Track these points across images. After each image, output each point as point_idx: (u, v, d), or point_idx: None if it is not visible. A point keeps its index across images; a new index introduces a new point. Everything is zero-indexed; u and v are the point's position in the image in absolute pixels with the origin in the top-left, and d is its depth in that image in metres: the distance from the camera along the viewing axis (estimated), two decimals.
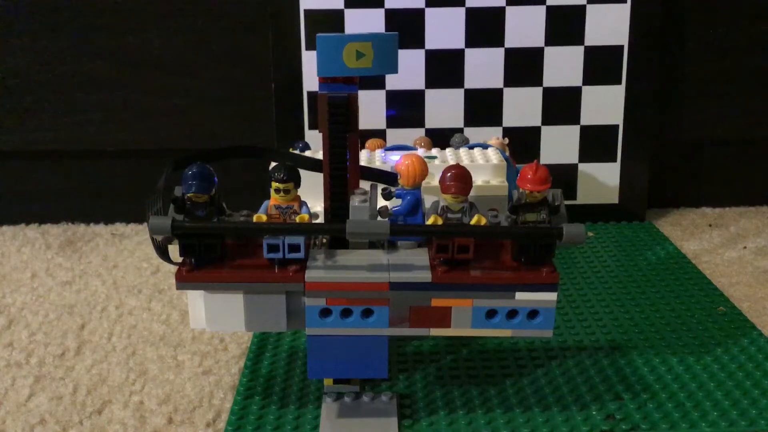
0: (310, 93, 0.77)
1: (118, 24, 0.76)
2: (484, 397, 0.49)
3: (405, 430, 0.46)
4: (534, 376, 0.51)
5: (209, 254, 0.44)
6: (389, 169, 0.54)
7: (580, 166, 0.80)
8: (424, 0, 0.75)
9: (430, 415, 0.47)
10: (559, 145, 0.79)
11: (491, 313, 0.44)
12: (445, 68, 0.77)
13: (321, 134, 0.45)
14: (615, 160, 0.80)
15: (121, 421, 0.48)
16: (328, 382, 0.49)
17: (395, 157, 0.61)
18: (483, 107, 0.78)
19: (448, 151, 0.63)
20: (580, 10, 0.76)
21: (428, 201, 0.46)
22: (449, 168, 0.44)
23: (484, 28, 0.76)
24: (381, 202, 0.47)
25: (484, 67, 0.77)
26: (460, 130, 0.78)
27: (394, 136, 0.78)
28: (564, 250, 0.71)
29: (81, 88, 0.78)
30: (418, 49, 0.77)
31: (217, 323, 0.45)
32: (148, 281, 0.68)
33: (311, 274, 0.43)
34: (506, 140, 0.71)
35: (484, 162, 0.59)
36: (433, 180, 0.56)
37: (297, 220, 0.44)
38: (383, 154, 0.62)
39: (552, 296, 0.43)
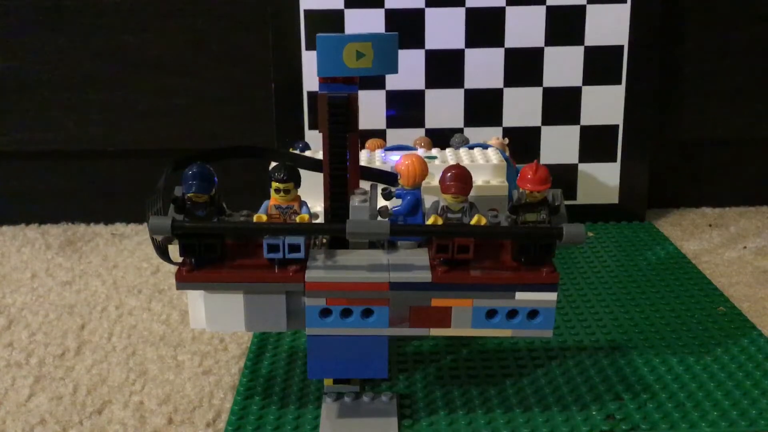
0: (310, 93, 0.77)
1: (118, 24, 0.76)
2: (484, 397, 0.49)
3: (405, 430, 0.46)
4: (534, 376, 0.51)
5: (209, 254, 0.44)
6: (389, 169, 0.54)
7: (580, 166, 0.80)
8: (424, 0, 0.75)
9: (430, 415, 0.47)
10: (559, 145, 0.79)
11: (491, 313, 0.44)
12: (445, 68, 0.77)
13: (321, 134, 0.45)
14: (615, 160, 0.80)
15: (121, 421, 0.48)
16: (328, 382, 0.49)
17: (395, 157, 0.61)
18: (483, 107, 0.78)
19: (448, 151, 0.63)
20: (580, 10, 0.76)
21: (428, 201, 0.46)
22: (449, 168, 0.44)
23: (484, 28, 0.76)
24: (381, 202, 0.47)
25: (484, 67, 0.77)
26: (460, 130, 0.78)
27: (394, 136, 0.78)
28: (564, 250, 0.71)
29: (81, 88, 0.78)
30: (418, 49, 0.77)
31: (217, 323, 0.45)
32: (148, 281, 0.68)
33: (311, 274, 0.43)
34: (506, 140, 0.71)
35: (484, 162, 0.59)
36: (433, 180, 0.56)
37: (297, 220, 0.44)
38: (383, 154, 0.62)
39: (552, 296, 0.43)
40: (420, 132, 0.78)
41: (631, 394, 0.49)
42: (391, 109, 0.78)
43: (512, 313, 0.44)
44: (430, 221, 0.43)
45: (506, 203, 0.55)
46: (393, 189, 0.47)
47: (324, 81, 0.44)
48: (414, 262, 0.44)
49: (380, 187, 0.48)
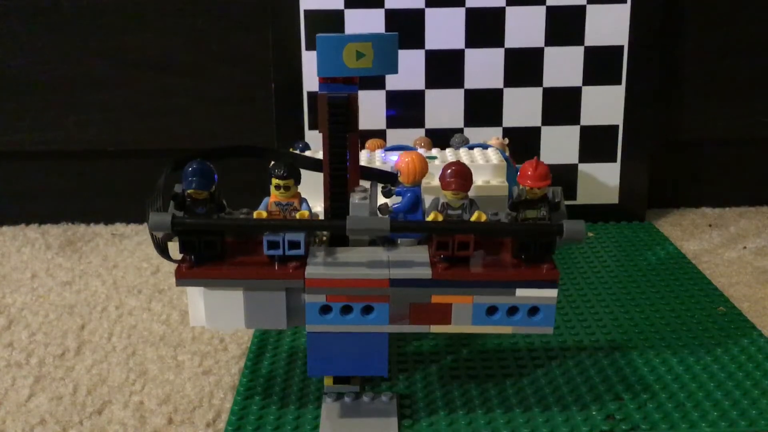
0: (310, 93, 0.77)
1: (118, 24, 0.76)
2: (484, 397, 0.49)
3: (405, 430, 0.46)
4: (534, 376, 0.51)
5: (209, 251, 0.44)
6: (389, 169, 0.54)
7: (580, 166, 0.80)
8: (424, 0, 0.76)
9: (430, 415, 0.47)
10: (559, 145, 0.79)
11: (492, 310, 0.44)
12: (445, 68, 0.77)
13: (321, 134, 0.45)
14: (615, 160, 0.80)
15: (121, 421, 0.48)
16: (328, 381, 0.49)
17: (395, 157, 0.60)
18: (483, 107, 0.78)
19: (448, 151, 0.63)
20: (580, 11, 0.76)
21: (428, 201, 0.46)
22: (449, 165, 0.44)
23: (484, 29, 0.76)
24: (381, 200, 0.47)
25: (484, 68, 0.77)
26: (460, 131, 0.78)
27: (394, 136, 0.78)
28: (564, 250, 0.71)
29: (81, 88, 0.78)
30: (418, 49, 0.77)
31: (216, 320, 0.45)
32: (148, 281, 0.68)
33: (311, 271, 0.43)
34: (506, 140, 0.71)
35: (484, 162, 0.59)
36: (433, 180, 0.56)
37: (297, 216, 0.44)
38: (383, 155, 0.62)
39: (552, 293, 0.43)
40: (420, 132, 0.78)
41: (631, 394, 0.49)
42: (391, 109, 0.78)
43: (513, 310, 0.44)
44: (430, 218, 0.43)
45: (506, 203, 0.55)
46: (393, 187, 0.47)
47: (324, 81, 0.44)
48: (414, 259, 0.44)
49: (380, 185, 0.48)
